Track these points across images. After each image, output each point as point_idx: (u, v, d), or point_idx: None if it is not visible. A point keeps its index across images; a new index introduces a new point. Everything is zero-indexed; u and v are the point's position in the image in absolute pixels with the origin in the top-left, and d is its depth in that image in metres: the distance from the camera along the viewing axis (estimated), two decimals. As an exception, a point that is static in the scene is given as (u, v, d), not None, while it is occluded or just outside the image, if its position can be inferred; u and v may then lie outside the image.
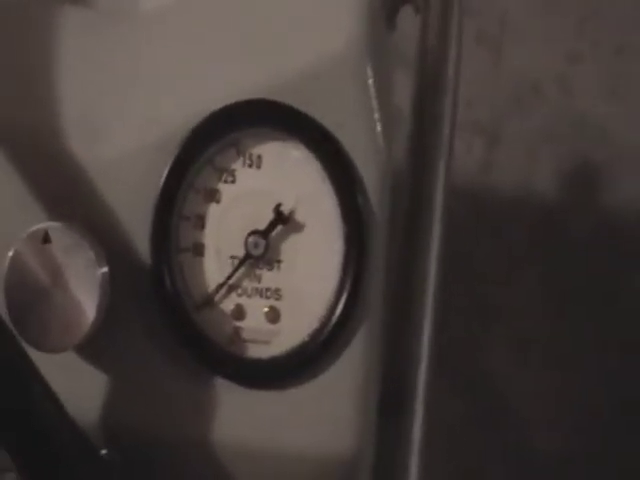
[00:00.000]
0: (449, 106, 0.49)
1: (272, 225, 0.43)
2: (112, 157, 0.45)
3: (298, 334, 0.44)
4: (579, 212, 0.97)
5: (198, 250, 0.44)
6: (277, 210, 0.43)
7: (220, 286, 0.44)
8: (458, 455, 0.97)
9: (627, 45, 0.97)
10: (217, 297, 0.44)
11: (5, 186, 0.45)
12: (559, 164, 0.97)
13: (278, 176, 0.44)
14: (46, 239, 0.43)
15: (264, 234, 0.44)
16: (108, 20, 0.46)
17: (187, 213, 0.44)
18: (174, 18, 0.45)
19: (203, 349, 0.44)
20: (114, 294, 0.43)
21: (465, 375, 0.98)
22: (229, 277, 0.44)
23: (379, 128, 0.43)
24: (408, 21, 0.52)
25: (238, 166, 0.44)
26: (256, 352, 0.44)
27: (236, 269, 0.44)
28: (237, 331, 0.44)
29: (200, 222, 0.44)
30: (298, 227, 0.44)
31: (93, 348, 0.44)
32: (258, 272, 0.44)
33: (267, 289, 0.44)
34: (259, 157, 0.44)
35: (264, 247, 0.43)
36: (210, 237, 0.44)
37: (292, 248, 0.44)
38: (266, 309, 0.44)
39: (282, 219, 0.43)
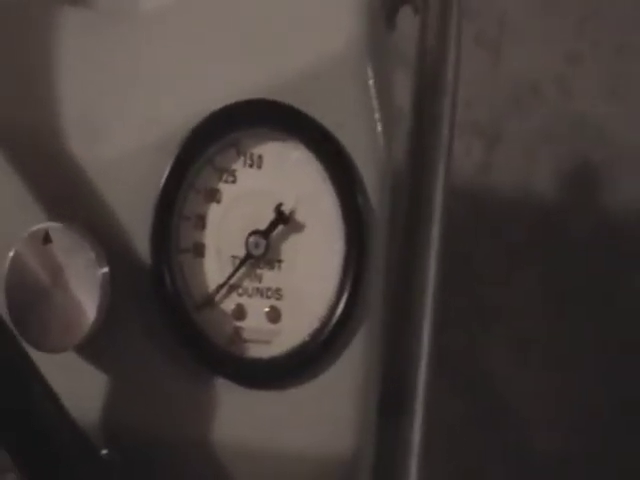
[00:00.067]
0: (448, 107, 0.49)
1: (273, 225, 0.43)
2: (112, 157, 0.45)
3: (299, 334, 0.44)
4: (578, 212, 0.97)
5: (199, 250, 0.44)
6: (278, 210, 0.43)
7: (221, 286, 0.44)
8: (458, 455, 0.97)
9: (627, 45, 0.97)
10: (217, 297, 0.44)
11: (5, 186, 0.45)
12: (558, 164, 0.97)
13: (278, 176, 0.44)
14: (46, 239, 0.43)
15: (265, 234, 0.43)
16: (108, 20, 0.46)
17: (187, 213, 0.44)
18: (174, 18, 0.45)
19: (203, 349, 0.44)
20: (114, 294, 0.43)
21: (465, 375, 0.98)
22: (230, 277, 0.44)
23: (379, 128, 0.43)
24: (407, 21, 0.52)
25: (238, 166, 0.44)
26: (256, 352, 0.44)
27: (237, 269, 0.44)
28: (237, 331, 0.44)
29: (201, 222, 0.44)
30: (299, 227, 0.44)
31: (93, 348, 0.44)
32: (259, 272, 0.44)
33: (268, 289, 0.44)
34: (259, 157, 0.44)
35: (265, 247, 0.43)
36: (211, 237, 0.44)
37: (293, 248, 0.44)
38: (267, 309, 0.44)
39: (283, 219, 0.43)
